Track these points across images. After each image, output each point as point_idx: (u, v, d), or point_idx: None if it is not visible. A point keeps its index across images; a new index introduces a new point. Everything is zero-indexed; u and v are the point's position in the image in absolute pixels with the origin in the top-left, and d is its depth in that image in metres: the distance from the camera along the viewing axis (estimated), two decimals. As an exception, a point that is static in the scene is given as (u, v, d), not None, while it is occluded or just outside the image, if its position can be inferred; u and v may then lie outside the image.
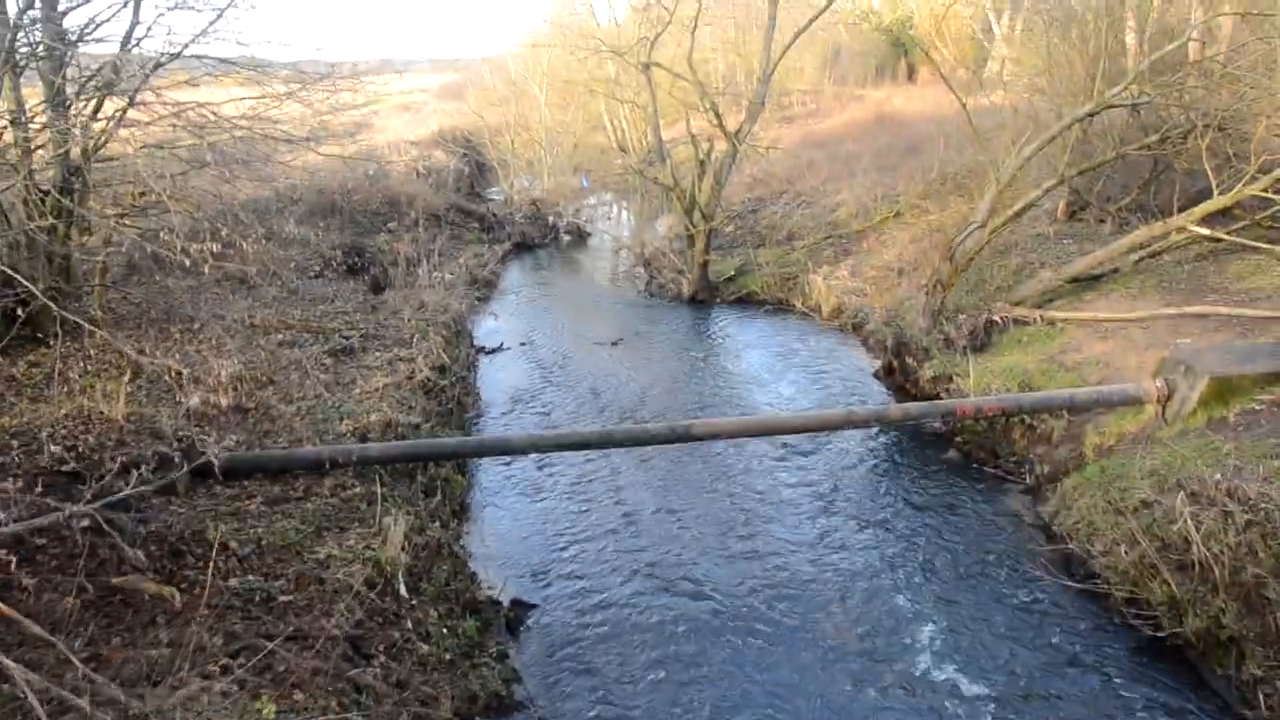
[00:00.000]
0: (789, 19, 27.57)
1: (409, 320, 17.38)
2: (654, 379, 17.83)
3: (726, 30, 43.95)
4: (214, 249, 10.53)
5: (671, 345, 20.48)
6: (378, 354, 15.23)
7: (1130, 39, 20.38)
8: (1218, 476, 9.33)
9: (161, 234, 10.83)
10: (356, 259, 21.36)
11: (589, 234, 33.02)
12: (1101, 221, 19.42)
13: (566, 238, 32.45)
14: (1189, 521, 8.92)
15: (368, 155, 30.93)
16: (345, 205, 25.86)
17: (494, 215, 32.63)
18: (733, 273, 24.45)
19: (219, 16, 12.39)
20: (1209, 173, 15.19)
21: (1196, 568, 8.82)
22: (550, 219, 32.46)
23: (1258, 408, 10.96)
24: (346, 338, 15.54)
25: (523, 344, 20.23)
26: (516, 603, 10.22)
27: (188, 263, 10.49)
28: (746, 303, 23.39)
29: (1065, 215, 20.58)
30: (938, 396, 15.04)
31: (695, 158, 24.18)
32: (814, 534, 11.67)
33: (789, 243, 25.26)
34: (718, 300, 23.73)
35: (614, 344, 20.17)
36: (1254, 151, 14.58)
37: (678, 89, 29.54)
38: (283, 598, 7.96)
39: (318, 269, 20.18)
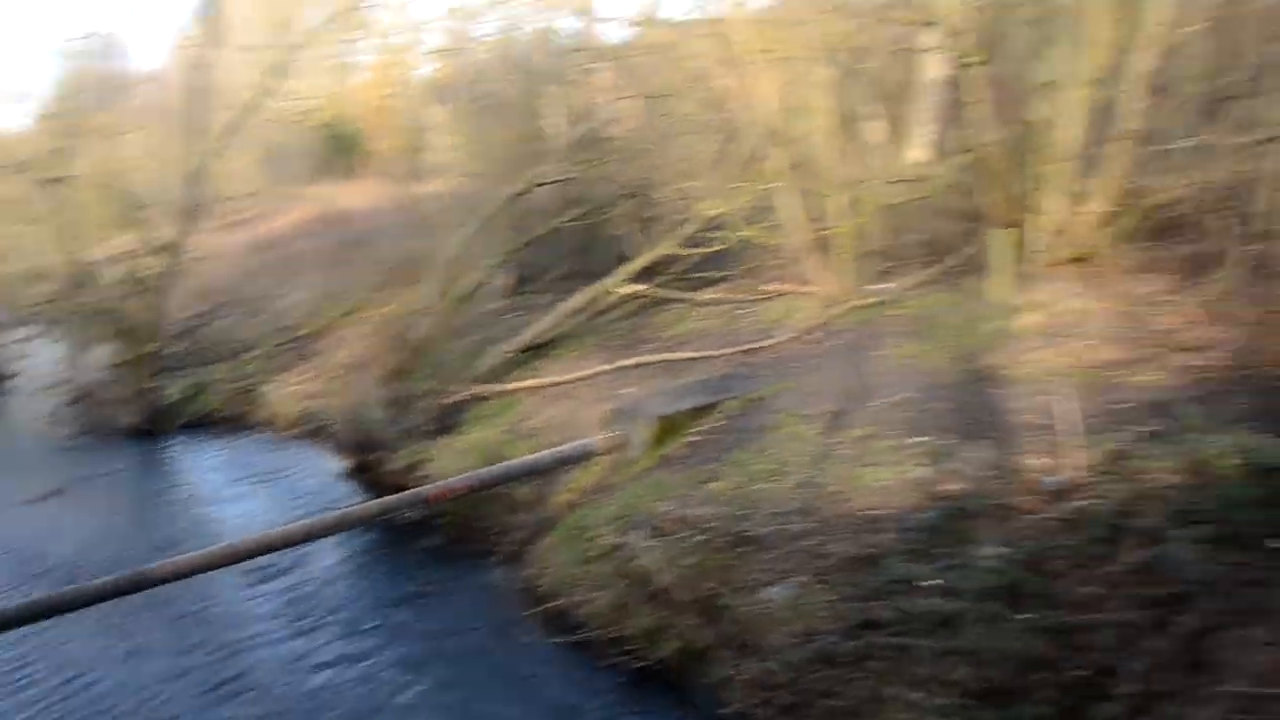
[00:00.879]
0: (223, 122, 26.18)
1: None
2: (102, 528, 15.61)
3: (159, 137, 40.94)
4: None
5: (120, 486, 18.21)
6: None
7: (552, 122, 21.86)
8: (667, 508, 9.91)
9: None
10: None
11: (11, 375, 28.57)
12: (546, 292, 20.41)
13: (-19, 384, 27.86)
14: (648, 555, 9.31)
15: None
16: None
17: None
18: (183, 395, 22.40)
19: None
20: (632, 237, 16.62)
21: (664, 595, 9.37)
22: (-44, 366, 27.76)
23: (696, 439, 12.11)
24: None
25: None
26: None
27: None
28: (202, 426, 21.50)
29: (513, 290, 21.39)
30: (409, 486, 14.66)
31: (130, 275, 21.93)
32: (299, 655, 10.75)
33: (243, 354, 23.71)
34: (170, 428, 21.48)
35: (48, 498, 17.28)
36: (664, 215, 16.21)
37: (106, 202, 26.95)
38: None
39: None
